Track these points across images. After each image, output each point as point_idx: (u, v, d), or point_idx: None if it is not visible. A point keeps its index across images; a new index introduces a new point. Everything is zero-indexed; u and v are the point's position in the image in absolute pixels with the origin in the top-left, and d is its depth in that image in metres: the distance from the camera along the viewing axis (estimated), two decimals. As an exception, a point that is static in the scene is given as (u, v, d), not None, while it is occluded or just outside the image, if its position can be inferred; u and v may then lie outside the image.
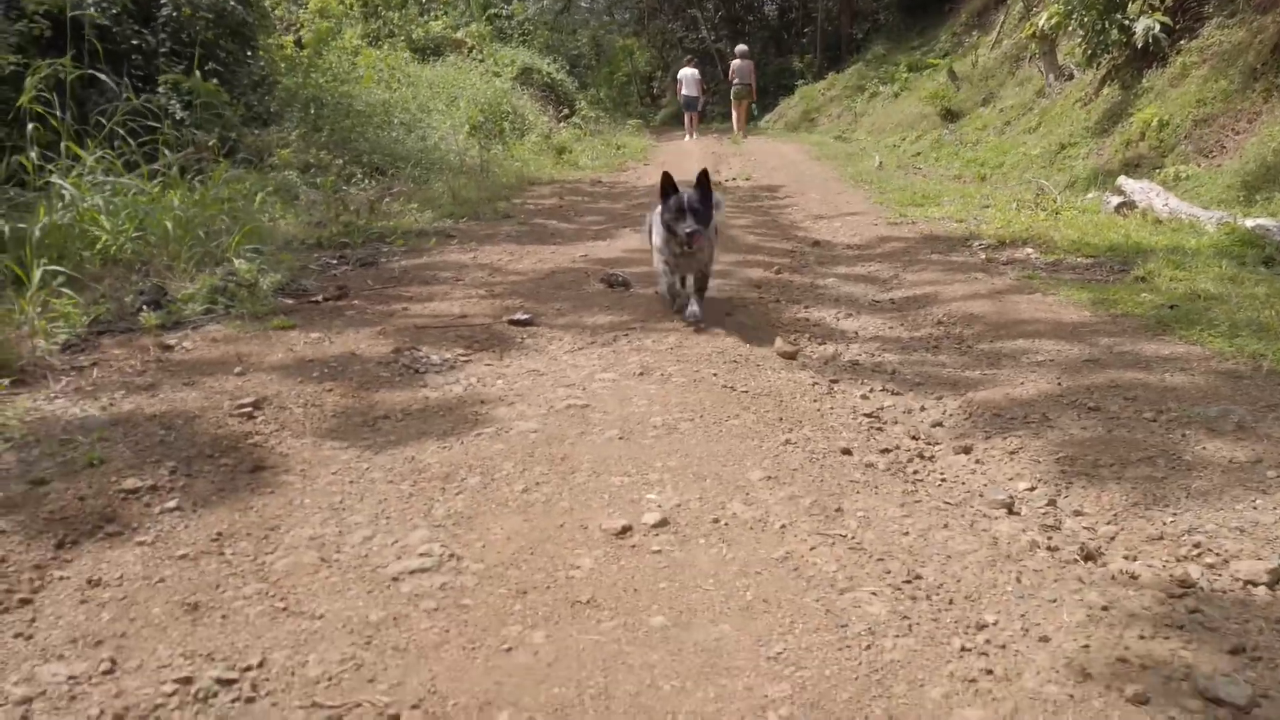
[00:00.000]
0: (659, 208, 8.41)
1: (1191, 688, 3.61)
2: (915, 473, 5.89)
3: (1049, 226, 13.34)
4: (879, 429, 6.80)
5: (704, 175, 8.33)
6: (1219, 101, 18.81)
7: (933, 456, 6.22)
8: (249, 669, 3.68)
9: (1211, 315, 8.22)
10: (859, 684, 3.48)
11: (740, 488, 5.17)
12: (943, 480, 5.84)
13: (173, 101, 16.17)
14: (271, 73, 20.86)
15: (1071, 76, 27.56)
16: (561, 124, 32.58)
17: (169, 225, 10.78)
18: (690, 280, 9.03)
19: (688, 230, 8.07)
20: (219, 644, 3.83)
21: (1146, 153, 19.67)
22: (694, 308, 8.82)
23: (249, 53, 19.62)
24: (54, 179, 10.44)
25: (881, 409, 7.19)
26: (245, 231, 11.37)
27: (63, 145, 11.25)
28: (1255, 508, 5.07)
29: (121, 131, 12.62)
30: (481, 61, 36.68)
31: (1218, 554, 4.76)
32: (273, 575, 4.66)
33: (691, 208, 8.08)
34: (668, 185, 8.23)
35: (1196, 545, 4.89)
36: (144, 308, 9.01)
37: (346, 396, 6.98)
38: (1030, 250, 12.20)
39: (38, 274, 8.32)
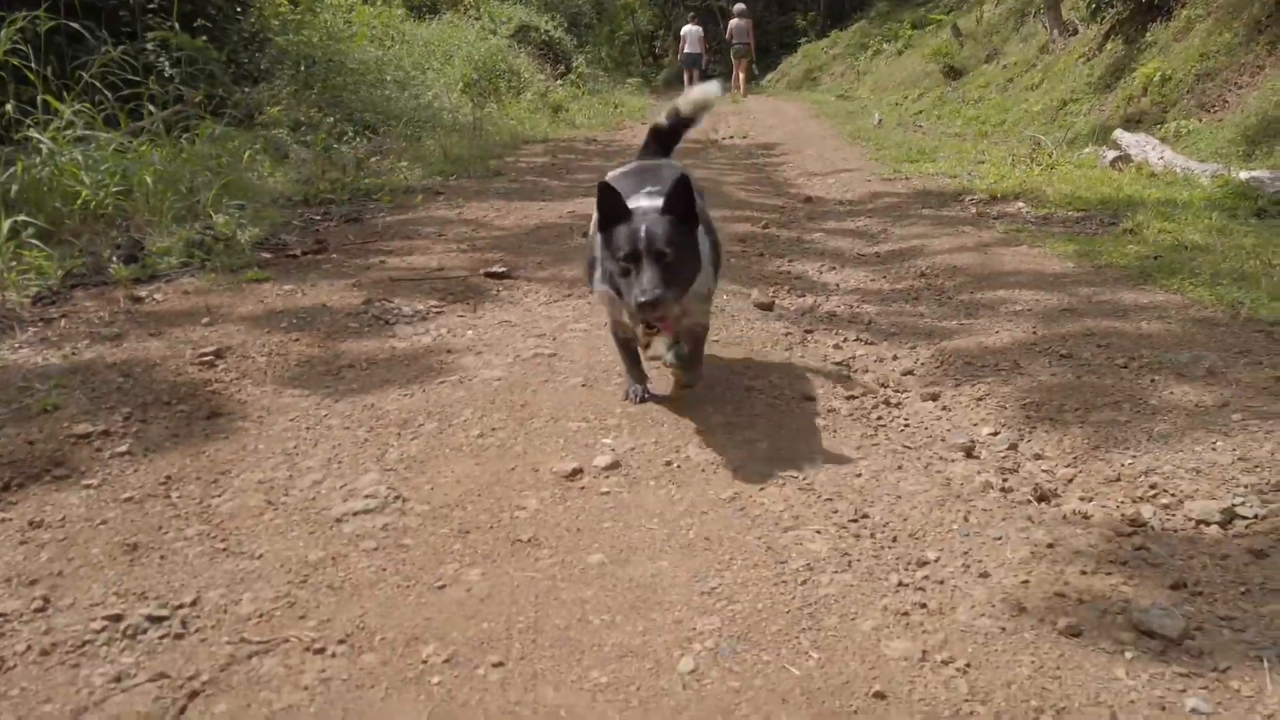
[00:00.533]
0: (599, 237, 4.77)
1: (1126, 621, 3.58)
2: (879, 419, 5.83)
3: (1043, 181, 13.15)
4: (847, 377, 6.72)
5: (681, 184, 4.56)
6: (1222, 55, 18.45)
7: (899, 403, 6.15)
8: (181, 607, 3.71)
9: (1195, 265, 8.14)
10: (789, 617, 3.46)
11: (699, 433, 5.11)
12: (905, 426, 5.78)
13: (161, 59, 15.98)
14: (263, 30, 20.59)
15: (1076, 32, 27.09)
16: (559, 82, 32.14)
17: (149, 180, 10.66)
18: (666, 350, 5.63)
19: (642, 299, 4.35)
20: (154, 583, 3.83)
21: (1149, 108, 19.35)
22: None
23: (239, 9, 19.37)
24: (31, 133, 10.31)
25: (853, 358, 7.12)
26: (225, 185, 11.26)
27: (39, 99, 11.11)
28: (1215, 449, 5.01)
29: (100, 86, 12.46)
30: (478, 19, 36.23)
31: (1173, 494, 4.70)
32: (216, 518, 4.64)
33: (653, 250, 4.36)
34: (610, 205, 4.57)
35: (1153, 486, 4.83)
36: (117, 260, 8.93)
37: (313, 346, 6.94)
38: (1021, 205, 12.04)
39: (6, 225, 8.23)
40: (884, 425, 5.93)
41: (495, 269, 9.45)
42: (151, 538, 4.44)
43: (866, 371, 7.07)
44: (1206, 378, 6.34)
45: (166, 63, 16.36)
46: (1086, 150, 17.84)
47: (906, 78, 36.68)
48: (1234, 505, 4.61)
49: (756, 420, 5.39)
